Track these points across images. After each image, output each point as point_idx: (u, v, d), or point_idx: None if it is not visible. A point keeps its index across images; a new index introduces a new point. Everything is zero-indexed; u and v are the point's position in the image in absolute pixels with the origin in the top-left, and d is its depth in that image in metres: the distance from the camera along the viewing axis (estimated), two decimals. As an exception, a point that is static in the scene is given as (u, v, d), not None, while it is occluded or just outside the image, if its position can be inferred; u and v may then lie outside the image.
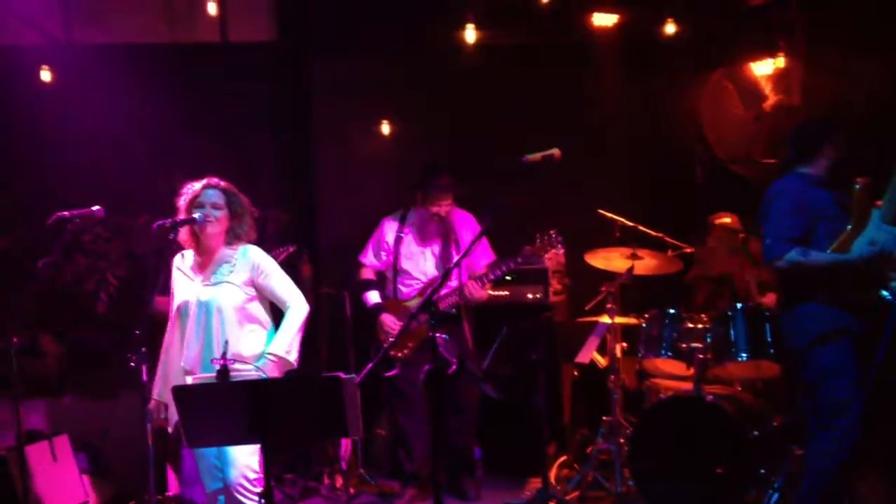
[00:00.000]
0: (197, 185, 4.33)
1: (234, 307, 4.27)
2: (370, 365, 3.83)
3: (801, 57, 6.38)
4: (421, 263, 5.79)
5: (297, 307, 4.35)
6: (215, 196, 4.31)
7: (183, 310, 4.32)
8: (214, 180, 4.36)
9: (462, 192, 5.71)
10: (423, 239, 5.81)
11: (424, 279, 5.76)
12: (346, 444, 5.94)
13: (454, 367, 5.36)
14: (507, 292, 6.21)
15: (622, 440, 5.54)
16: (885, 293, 4.20)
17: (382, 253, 5.89)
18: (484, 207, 4.30)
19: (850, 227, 4.27)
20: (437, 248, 5.79)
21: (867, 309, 4.28)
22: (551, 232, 5.19)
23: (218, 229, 4.31)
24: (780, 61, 6.36)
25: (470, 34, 6.40)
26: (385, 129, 7.04)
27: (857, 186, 4.26)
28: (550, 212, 5.66)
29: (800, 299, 4.44)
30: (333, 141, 7.03)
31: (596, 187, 6.44)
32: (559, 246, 5.16)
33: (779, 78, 6.46)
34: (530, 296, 6.22)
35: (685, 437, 5.12)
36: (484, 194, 5.50)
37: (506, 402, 5.92)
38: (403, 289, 5.80)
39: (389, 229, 5.89)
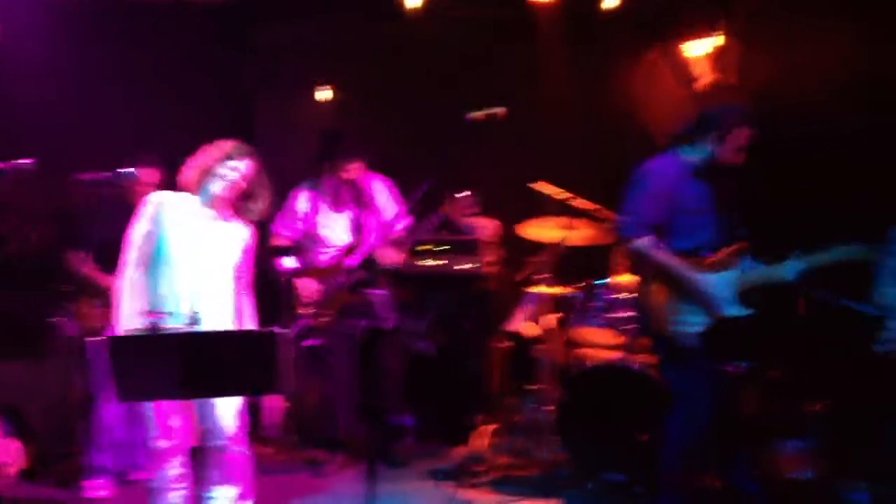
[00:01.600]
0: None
1: None
2: (302, 322, 3.80)
3: (739, 36, 6.47)
4: (336, 230, 5.77)
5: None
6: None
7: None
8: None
9: (369, 156, 5.69)
10: (337, 203, 5.78)
11: (341, 245, 5.71)
12: (276, 412, 5.91)
13: (391, 323, 5.38)
14: (441, 262, 6.24)
15: (551, 408, 5.62)
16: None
17: (299, 222, 5.85)
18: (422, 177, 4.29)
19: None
20: (351, 214, 5.77)
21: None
22: (466, 193, 5.21)
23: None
24: (718, 39, 6.44)
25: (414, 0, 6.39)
26: (327, 94, 6.99)
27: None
28: (487, 183, 5.69)
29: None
30: (274, 105, 6.96)
31: (535, 159, 6.48)
32: (474, 209, 5.18)
33: (716, 56, 6.54)
34: (464, 266, 6.26)
35: (613, 404, 5.22)
36: (420, 161, 5.60)
37: (439, 365, 5.96)
38: (320, 256, 5.76)
39: (302, 197, 5.85)
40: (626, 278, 5.66)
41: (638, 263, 4.53)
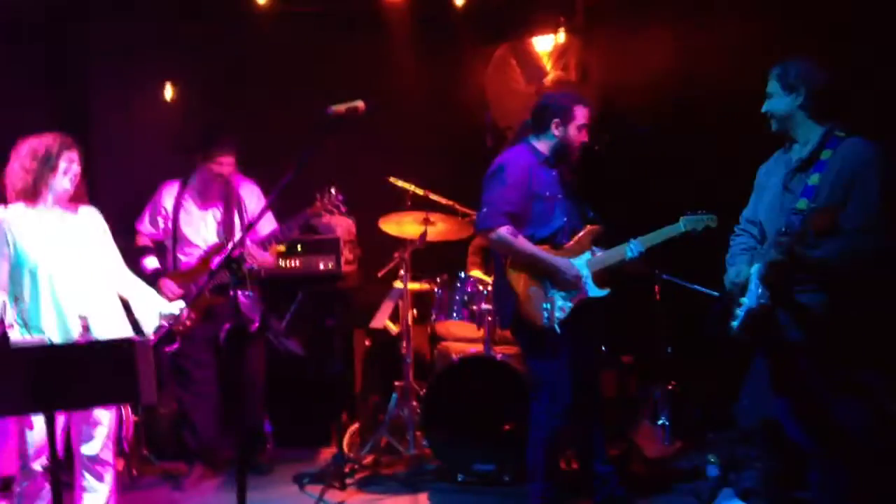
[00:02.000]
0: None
1: None
2: (163, 330, 3.66)
3: (579, 34, 6.65)
4: (202, 229, 5.56)
5: None
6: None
7: None
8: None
9: (242, 154, 5.56)
10: (205, 201, 5.58)
11: (205, 246, 5.52)
12: (127, 425, 5.66)
13: (256, 324, 5.23)
14: (298, 263, 6.13)
15: (415, 403, 5.61)
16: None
17: (160, 219, 5.62)
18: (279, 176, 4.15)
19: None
20: (218, 213, 5.58)
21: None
22: (331, 190, 5.15)
23: None
24: (560, 37, 6.60)
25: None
26: (167, 92, 6.75)
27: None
28: (343, 180, 5.61)
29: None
30: (112, 104, 6.66)
31: (389, 155, 6.46)
32: (341, 206, 5.13)
33: (559, 54, 6.71)
34: (322, 266, 6.17)
35: (477, 396, 5.25)
36: (269, 161, 5.48)
37: (300, 367, 5.85)
38: (183, 258, 5.55)
39: (168, 194, 5.62)
40: (477, 273, 5.74)
41: (498, 253, 4.58)
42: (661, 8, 6.22)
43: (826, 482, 3.87)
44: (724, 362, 4.94)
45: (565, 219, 4.57)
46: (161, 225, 5.62)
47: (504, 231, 4.42)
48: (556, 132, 4.54)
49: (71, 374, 3.35)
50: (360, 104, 3.64)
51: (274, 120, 6.38)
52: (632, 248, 4.51)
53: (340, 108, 3.61)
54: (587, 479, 4.69)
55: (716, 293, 5.23)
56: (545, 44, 6.69)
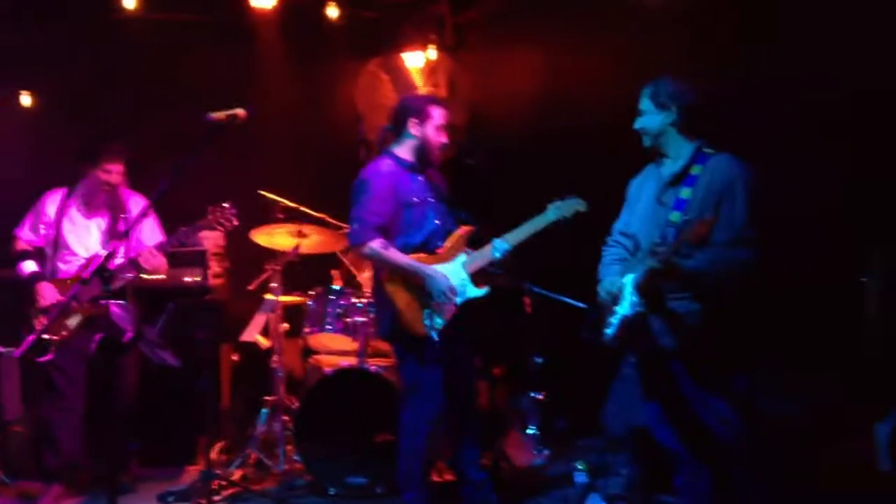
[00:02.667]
0: None
1: None
2: (31, 338, 3.49)
3: (449, 51, 6.76)
4: (84, 237, 5.37)
5: None
6: None
7: None
8: None
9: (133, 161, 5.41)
10: (90, 210, 5.39)
11: (87, 255, 5.32)
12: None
13: (130, 335, 5.03)
14: (163, 276, 5.95)
15: (286, 417, 5.53)
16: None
17: (41, 226, 5.40)
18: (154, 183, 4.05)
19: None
20: (103, 223, 5.40)
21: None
22: (224, 204, 5.06)
23: None
24: (430, 54, 6.68)
25: (129, 1, 6.09)
26: (25, 101, 6.50)
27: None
28: (214, 193, 5.51)
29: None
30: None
31: (261, 168, 6.40)
32: (233, 219, 5.03)
33: (430, 70, 6.80)
34: (188, 279, 6.02)
35: (350, 409, 5.22)
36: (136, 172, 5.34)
37: (167, 382, 5.68)
38: (62, 266, 5.33)
39: (52, 202, 5.43)
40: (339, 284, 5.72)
41: (373, 266, 4.58)
42: (529, 28, 6.39)
43: (691, 487, 4.02)
44: (593, 371, 5.10)
45: (438, 222, 4.61)
46: (42, 232, 5.41)
47: (376, 245, 4.43)
48: (413, 132, 4.56)
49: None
50: (240, 112, 3.60)
51: (144, 129, 6.20)
52: (497, 247, 4.55)
53: (221, 115, 3.57)
54: (461, 486, 4.72)
55: (584, 305, 5.42)
56: (416, 60, 6.76)
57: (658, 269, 3.64)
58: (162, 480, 5.54)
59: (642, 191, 4.04)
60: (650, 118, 3.92)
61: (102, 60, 6.43)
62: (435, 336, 4.42)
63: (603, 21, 6.07)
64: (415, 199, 4.55)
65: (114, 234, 5.35)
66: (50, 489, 5.30)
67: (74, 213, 5.41)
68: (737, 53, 5.67)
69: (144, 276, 5.26)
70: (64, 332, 5.16)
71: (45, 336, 5.09)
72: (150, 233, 5.44)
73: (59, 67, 6.43)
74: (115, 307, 5.21)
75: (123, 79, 6.48)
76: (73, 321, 5.09)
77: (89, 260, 5.30)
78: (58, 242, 5.37)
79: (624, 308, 3.75)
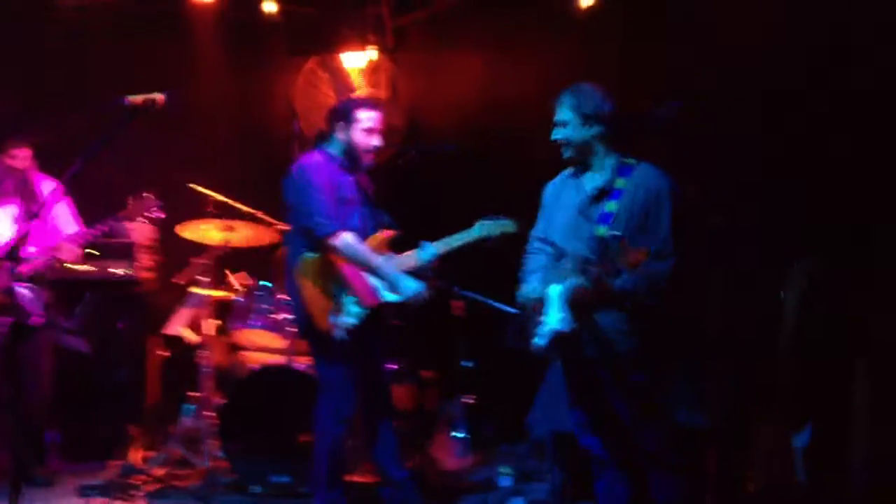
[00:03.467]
0: None
1: None
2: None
3: (389, 53, 6.77)
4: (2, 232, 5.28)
5: None
6: None
7: None
8: None
9: (42, 145, 5.31)
10: (0, 197, 5.30)
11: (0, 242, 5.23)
12: None
13: (38, 319, 4.91)
14: (91, 267, 5.86)
15: (211, 413, 5.47)
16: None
17: None
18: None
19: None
20: (14, 209, 5.31)
21: None
22: (145, 194, 4.99)
23: None
24: (371, 55, 6.67)
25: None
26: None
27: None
28: (145, 184, 5.44)
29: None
30: None
31: (193, 160, 6.33)
32: (154, 209, 4.97)
33: (371, 71, 6.79)
34: (116, 271, 5.92)
35: (276, 406, 5.19)
36: (66, 158, 5.23)
37: (89, 373, 5.59)
38: None
39: None
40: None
41: (290, 258, 4.50)
42: (468, 32, 6.43)
43: (611, 491, 4.07)
44: (520, 376, 5.13)
45: (359, 224, 4.56)
46: None
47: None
48: (340, 135, 4.55)
49: None
50: (158, 96, 3.54)
51: (72, 116, 6.09)
52: (424, 251, 4.52)
53: (138, 98, 3.50)
54: (383, 486, 4.70)
55: (513, 310, 5.44)
56: (356, 60, 6.75)
57: (589, 287, 3.67)
58: (83, 474, 5.45)
59: (559, 199, 4.04)
60: (573, 130, 3.89)
61: (36, 42, 6.29)
62: (345, 334, 4.38)
63: (541, 27, 6.14)
64: (348, 196, 4.53)
65: (25, 219, 5.25)
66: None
67: None
68: (664, 61, 5.75)
69: (67, 265, 5.17)
70: None
71: None
72: (66, 220, 5.35)
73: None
74: (24, 290, 5.11)
75: (55, 62, 6.34)
76: None
77: (2, 248, 5.19)
78: None
79: (553, 321, 3.73)
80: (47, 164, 5.44)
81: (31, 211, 5.15)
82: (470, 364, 5.74)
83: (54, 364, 5.39)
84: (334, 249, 4.40)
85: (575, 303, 3.73)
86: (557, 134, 3.92)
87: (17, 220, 5.28)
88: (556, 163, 4.06)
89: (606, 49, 5.89)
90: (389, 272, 4.42)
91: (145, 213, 4.96)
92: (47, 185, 5.38)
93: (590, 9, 6.16)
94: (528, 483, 5.26)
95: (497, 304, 5.61)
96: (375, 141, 4.57)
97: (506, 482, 5.30)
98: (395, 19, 6.72)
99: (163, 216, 5.02)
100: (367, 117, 4.54)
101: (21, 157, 5.23)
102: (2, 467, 5.30)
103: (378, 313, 4.50)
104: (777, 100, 5.15)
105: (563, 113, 3.90)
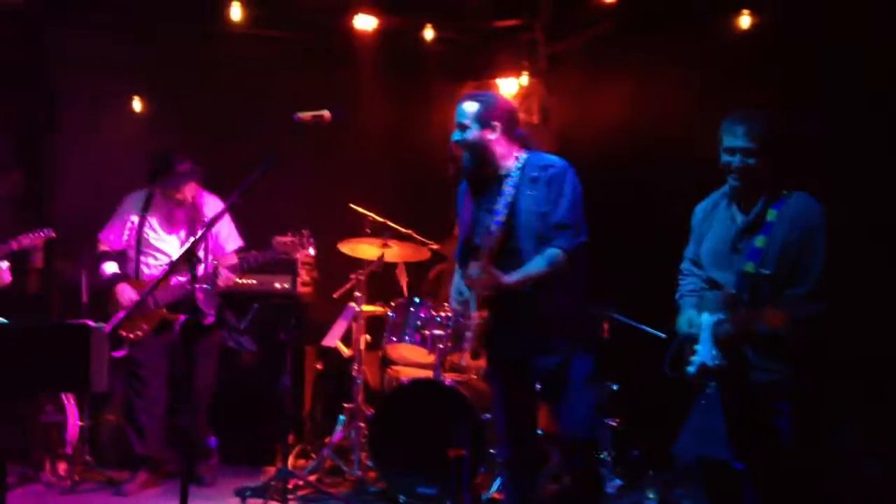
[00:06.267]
0: None
1: None
2: (120, 314, 3.69)
3: (542, 78, 6.86)
4: (166, 249, 5.66)
5: None
6: None
7: None
8: None
9: (204, 176, 5.65)
10: (171, 226, 5.69)
11: (168, 260, 5.60)
12: (72, 429, 5.65)
13: (211, 318, 5.23)
14: (254, 280, 6.20)
15: (362, 425, 5.65)
16: None
17: (125, 231, 5.70)
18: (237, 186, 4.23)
19: None
20: (183, 234, 5.68)
21: None
22: (304, 231, 5.24)
23: None
24: (523, 81, 6.79)
25: (235, 12, 6.40)
26: (136, 106, 6.86)
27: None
28: (306, 206, 5.72)
29: None
30: (79, 115, 6.75)
31: (353, 184, 6.61)
32: (310, 247, 5.22)
33: (523, 97, 6.89)
34: (278, 285, 6.26)
35: (424, 420, 5.30)
36: (229, 181, 5.56)
37: (250, 382, 5.89)
38: (146, 269, 5.62)
39: (133, 205, 5.71)
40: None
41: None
42: (622, 57, 6.45)
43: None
44: (670, 401, 5.06)
45: None
46: (125, 236, 5.69)
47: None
48: None
49: (19, 357, 3.38)
50: (325, 113, 3.74)
51: (239, 142, 6.46)
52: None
53: (307, 115, 3.72)
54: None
55: (663, 335, 5.40)
56: (510, 86, 6.86)
57: (732, 333, 3.62)
58: (241, 476, 5.72)
59: (711, 223, 3.92)
60: (746, 158, 3.66)
61: (206, 71, 6.71)
62: None
63: (695, 51, 6.10)
64: None
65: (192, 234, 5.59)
66: (136, 476, 5.55)
67: (156, 225, 5.67)
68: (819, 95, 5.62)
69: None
70: (139, 332, 5.43)
71: (122, 333, 5.37)
72: (228, 235, 5.66)
73: (165, 76, 6.78)
74: (199, 292, 5.43)
75: (225, 89, 6.74)
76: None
77: (170, 265, 5.48)
78: (140, 245, 5.63)
79: (703, 355, 3.68)
80: (216, 184, 5.80)
81: (196, 231, 5.50)
82: (616, 386, 5.73)
83: (220, 369, 5.71)
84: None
85: (721, 343, 3.67)
86: (734, 160, 3.70)
87: (184, 244, 5.63)
88: (704, 186, 3.99)
89: (760, 73, 5.80)
90: None
91: (301, 248, 5.18)
92: (212, 203, 5.71)
93: (745, 32, 6.09)
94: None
95: (648, 329, 5.59)
96: None
97: (652, 506, 5.24)
98: (549, 46, 6.80)
99: (314, 253, 5.22)
100: None
101: (187, 190, 5.57)
102: (170, 468, 5.67)
103: None
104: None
105: (740, 140, 3.67)
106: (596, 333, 5.51)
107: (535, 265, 3.93)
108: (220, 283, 5.45)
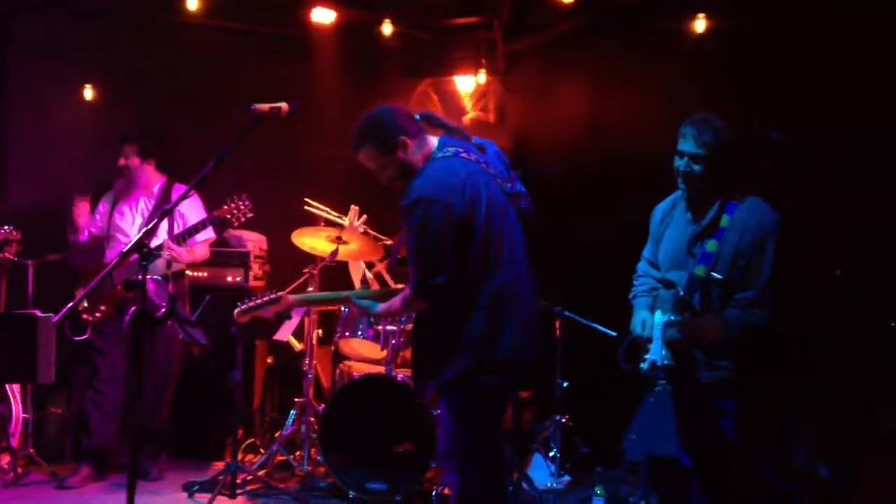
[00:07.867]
0: None
1: None
2: (69, 305, 3.64)
3: (499, 77, 6.88)
4: (128, 226, 5.68)
5: None
6: None
7: None
8: None
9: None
10: (131, 207, 5.72)
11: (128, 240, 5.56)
12: (16, 421, 5.56)
13: (163, 310, 5.14)
14: (205, 273, 6.15)
15: (312, 420, 5.63)
16: None
17: (97, 216, 5.77)
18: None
19: None
20: (143, 209, 5.71)
21: None
22: (241, 196, 5.25)
23: None
24: (480, 79, 6.81)
25: (192, 2, 6.33)
26: (88, 94, 6.76)
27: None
28: (262, 198, 5.66)
29: None
30: (29, 103, 6.65)
31: (308, 177, 6.58)
32: (248, 212, 5.24)
33: (479, 95, 6.92)
34: (230, 278, 6.21)
35: (375, 415, 5.29)
36: (183, 172, 5.53)
37: (199, 376, 5.85)
38: (109, 252, 5.64)
39: (105, 197, 5.80)
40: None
41: None
42: (578, 57, 6.50)
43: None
44: (618, 397, 5.11)
45: None
46: (97, 222, 5.76)
47: None
48: None
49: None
50: (283, 105, 3.71)
51: (195, 133, 6.39)
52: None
53: (264, 106, 3.68)
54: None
55: (613, 333, 5.46)
56: (467, 84, 6.87)
57: (679, 339, 3.68)
58: (189, 471, 5.68)
59: (669, 224, 3.96)
60: (697, 163, 3.70)
61: (163, 61, 6.65)
62: None
63: (652, 53, 6.17)
64: None
65: (151, 222, 5.56)
66: (79, 470, 5.48)
67: (121, 204, 5.72)
68: (774, 89, 5.71)
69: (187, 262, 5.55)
70: (98, 314, 5.40)
71: (84, 316, 5.35)
72: (195, 212, 5.64)
73: (118, 65, 6.69)
74: (150, 282, 5.39)
75: (181, 80, 6.67)
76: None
77: (128, 245, 5.47)
78: (109, 233, 5.68)
79: (655, 353, 3.74)
80: (170, 174, 5.79)
81: (160, 209, 5.49)
82: (565, 384, 5.77)
83: (173, 357, 5.67)
84: None
85: (670, 344, 3.72)
86: (684, 165, 3.74)
87: (146, 220, 5.63)
88: (660, 187, 4.01)
89: (716, 76, 5.88)
90: None
91: (238, 214, 5.21)
92: (177, 190, 5.71)
93: (701, 35, 6.16)
94: (622, 506, 5.23)
95: (599, 327, 5.64)
96: None
97: (599, 503, 5.28)
98: (507, 44, 6.82)
99: (250, 216, 5.28)
100: None
101: (131, 160, 5.62)
102: (118, 461, 5.60)
103: None
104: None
105: (688, 144, 3.71)
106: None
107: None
108: (174, 255, 5.39)
